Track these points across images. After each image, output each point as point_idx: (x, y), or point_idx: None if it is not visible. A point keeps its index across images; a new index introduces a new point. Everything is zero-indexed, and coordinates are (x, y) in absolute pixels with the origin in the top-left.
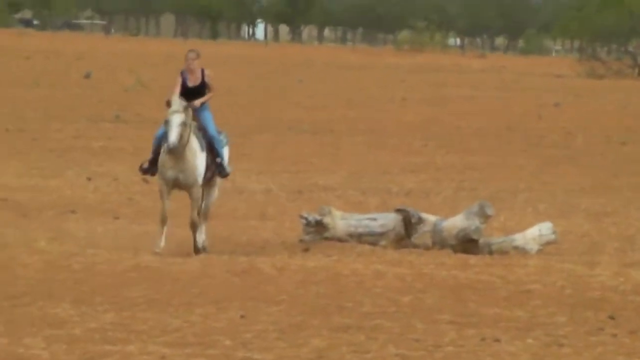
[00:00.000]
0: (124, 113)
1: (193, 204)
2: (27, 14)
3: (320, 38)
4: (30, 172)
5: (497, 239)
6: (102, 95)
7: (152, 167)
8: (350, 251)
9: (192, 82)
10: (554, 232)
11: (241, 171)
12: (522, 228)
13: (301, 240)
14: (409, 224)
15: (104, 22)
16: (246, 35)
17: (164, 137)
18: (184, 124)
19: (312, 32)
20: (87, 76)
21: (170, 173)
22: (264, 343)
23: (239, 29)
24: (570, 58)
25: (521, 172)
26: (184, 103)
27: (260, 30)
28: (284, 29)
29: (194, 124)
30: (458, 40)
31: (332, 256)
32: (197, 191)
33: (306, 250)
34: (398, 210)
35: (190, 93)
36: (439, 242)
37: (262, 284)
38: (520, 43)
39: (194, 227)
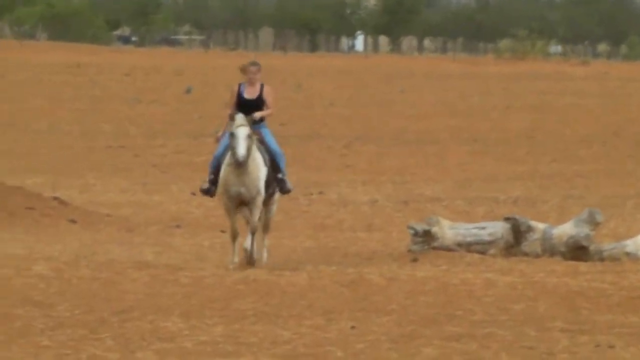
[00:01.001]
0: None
1: (254, 211)
2: (125, 30)
3: (420, 48)
4: (134, 187)
5: (608, 246)
6: (203, 111)
7: (212, 187)
8: (459, 260)
9: (249, 95)
10: None
11: (346, 182)
12: (633, 234)
13: (409, 251)
14: (518, 232)
15: (202, 37)
16: (345, 47)
17: (223, 154)
18: (250, 137)
19: (412, 42)
20: (188, 91)
21: (234, 189)
22: (376, 353)
23: (338, 41)
24: None
25: (629, 178)
26: (248, 117)
27: (359, 41)
28: (383, 40)
29: (255, 137)
30: (560, 48)
31: (441, 266)
32: (260, 200)
33: (415, 260)
34: (507, 219)
35: (246, 105)
36: (549, 249)
37: (371, 294)
38: (623, 49)
39: (253, 231)
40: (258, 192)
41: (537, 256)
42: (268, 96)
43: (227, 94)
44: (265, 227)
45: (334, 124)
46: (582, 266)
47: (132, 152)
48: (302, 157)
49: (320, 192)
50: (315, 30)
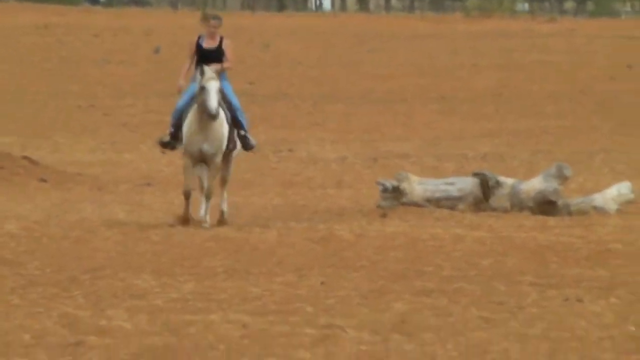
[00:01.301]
0: None
1: (212, 173)
2: None
3: (388, 7)
4: (103, 147)
5: (575, 200)
6: (172, 70)
7: (172, 141)
8: (428, 216)
9: (209, 45)
10: (632, 192)
11: (315, 140)
12: (600, 189)
13: (379, 207)
14: (487, 187)
15: None
16: (313, 7)
17: (186, 107)
18: (220, 91)
19: (380, 1)
20: (156, 51)
21: (197, 145)
22: (346, 309)
23: (306, 0)
24: None
25: (596, 133)
26: (217, 70)
27: (327, 0)
28: None
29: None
30: (527, 5)
31: (410, 221)
32: (219, 162)
33: (384, 216)
34: (475, 174)
35: (205, 56)
36: (517, 204)
37: (341, 250)
38: (589, 6)
39: (208, 196)
40: (219, 151)
41: (506, 211)
42: (227, 49)
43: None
44: (223, 181)
45: (301, 84)
46: (551, 221)
47: (101, 111)
48: (271, 116)
49: (290, 150)
50: None
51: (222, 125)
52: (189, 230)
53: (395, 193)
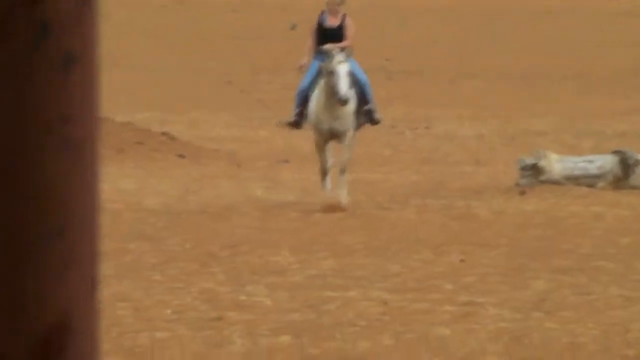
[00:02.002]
0: None
1: (347, 149)
2: None
3: None
4: (240, 123)
5: None
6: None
7: (299, 119)
8: (568, 194)
9: (331, 23)
10: None
11: (452, 117)
12: None
13: (517, 184)
14: (627, 165)
15: None
16: None
17: (311, 87)
18: (350, 73)
19: None
20: (293, 28)
21: (326, 124)
22: (486, 286)
23: None
24: None
25: None
26: (345, 52)
27: None
28: None
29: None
30: None
31: (549, 199)
32: (351, 135)
33: (523, 193)
34: (615, 152)
35: (326, 34)
36: None
37: (480, 228)
38: None
39: (343, 171)
40: (350, 127)
41: None
42: (348, 28)
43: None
44: (346, 165)
45: (438, 60)
46: None
47: (238, 87)
48: (407, 93)
49: (427, 127)
50: None
51: (351, 103)
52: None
53: (534, 171)
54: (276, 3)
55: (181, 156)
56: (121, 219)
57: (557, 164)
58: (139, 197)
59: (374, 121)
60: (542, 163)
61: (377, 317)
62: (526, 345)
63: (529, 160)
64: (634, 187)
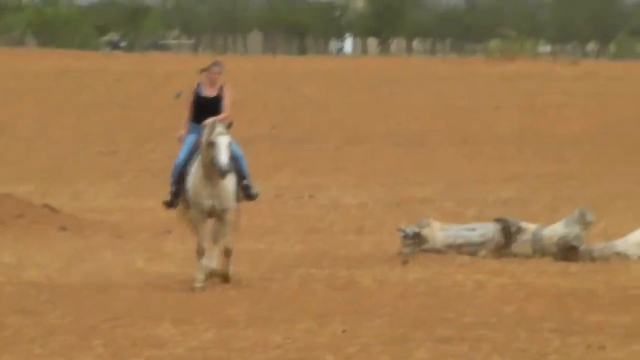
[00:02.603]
0: None
1: (228, 229)
2: (114, 36)
3: (410, 50)
4: (125, 193)
5: (598, 246)
6: None
7: (175, 200)
8: (451, 262)
9: (208, 93)
10: None
11: (337, 185)
12: (623, 234)
13: (400, 253)
14: (509, 233)
15: (191, 42)
16: (334, 50)
17: (187, 163)
18: (230, 145)
19: (401, 44)
20: (178, 96)
21: (207, 202)
22: (368, 357)
23: (327, 44)
24: None
25: (620, 178)
26: (225, 124)
27: (348, 44)
28: (372, 42)
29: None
30: (549, 48)
31: (432, 268)
32: (232, 213)
33: (406, 263)
34: (497, 220)
35: (204, 104)
36: (540, 250)
37: (363, 298)
38: (612, 48)
39: (229, 254)
40: (231, 205)
41: (528, 257)
42: (226, 97)
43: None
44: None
45: (324, 128)
46: (573, 267)
47: (123, 157)
48: (293, 160)
49: (311, 196)
50: (304, 33)
51: (231, 179)
52: (210, 279)
53: (417, 240)
54: (161, 72)
55: (63, 229)
56: (1, 292)
57: (439, 232)
58: (19, 270)
59: (250, 197)
60: (425, 232)
61: None
62: None
63: (412, 229)
64: (516, 255)
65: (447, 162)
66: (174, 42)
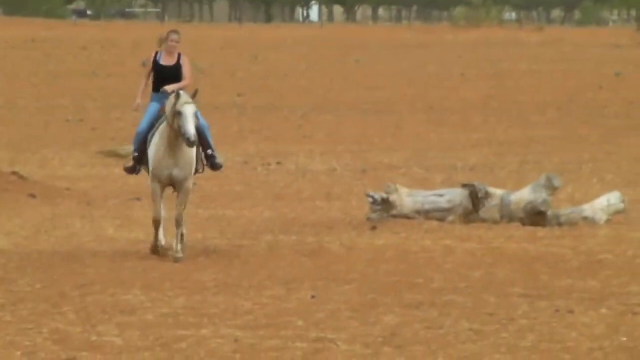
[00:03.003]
0: None
1: (182, 199)
2: (80, 4)
3: (375, 18)
4: (92, 161)
5: (565, 211)
6: None
7: (137, 165)
8: (419, 228)
9: (167, 62)
10: (622, 202)
11: (304, 152)
12: (590, 199)
13: (369, 219)
14: (476, 198)
15: (157, 10)
16: (301, 18)
17: (148, 130)
18: (196, 115)
19: (367, 12)
20: (144, 64)
21: (167, 171)
22: (337, 323)
23: (293, 11)
24: (628, 28)
25: (585, 143)
26: (194, 91)
27: (314, 12)
28: (338, 9)
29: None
30: (514, 15)
31: (400, 234)
32: (189, 186)
33: (374, 228)
34: (465, 186)
35: (164, 73)
36: (507, 215)
37: (331, 263)
38: (577, 15)
39: (179, 223)
40: (190, 175)
41: (496, 222)
42: (185, 66)
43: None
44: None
45: (290, 95)
46: (541, 232)
47: (90, 125)
48: (260, 128)
49: (279, 163)
50: (271, 1)
51: (192, 149)
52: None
53: (385, 205)
54: (127, 40)
55: (32, 196)
56: None
57: (407, 198)
58: None
59: (215, 166)
60: (393, 197)
61: (229, 355)
62: None
63: (380, 195)
64: (484, 221)
65: (414, 129)
66: (140, 10)
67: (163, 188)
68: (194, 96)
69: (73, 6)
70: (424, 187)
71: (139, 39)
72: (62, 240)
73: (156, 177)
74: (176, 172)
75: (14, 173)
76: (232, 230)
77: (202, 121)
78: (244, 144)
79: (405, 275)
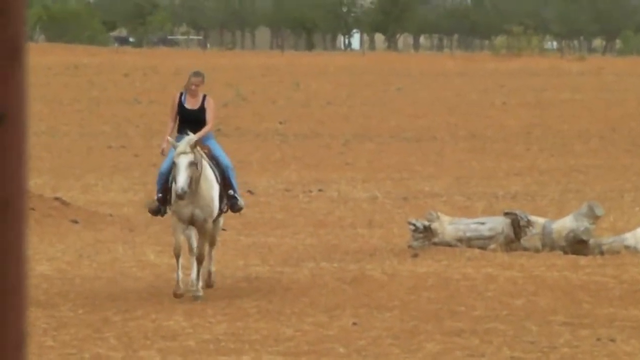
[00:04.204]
0: (224, 126)
1: (203, 238)
2: (122, 31)
3: (416, 46)
4: (134, 187)
5: (607, 239)
6: None
7: (162, 207)
8: (460, 256)
9: (191, 105)
10: None
11: (345, 180)
12: (632, 227)
13: (410, 247)
14: (518, 226)
15: (199, 37)
16: (342, 46)
17: (169, 171)
18: (192, 165)
19: (408, 40)
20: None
21: (187, 210)
22: (378, 349)
23: (334, 39)
24: None
25: (627, 172)
26: (191, 141)
27: (356, 40)
28: (379, 37)
29: (203, 153)
30: (555, 44)
31: (441, 261)
32: (210, 225)
33: (415, 256)
34: (507, 214)
35: (187, 116)
36: (549, 244)
37: (373, 291)
38: (618, 44)
39: (201, 260)
40: (211, 215)
41: (537, 251)
42: (208, 108)
43: (229, 93)
44: (211, 241)
45: (332, 123)
46: (582, 260)
47: (132, 152)
48: (301, 155)
49: (320, 190)
50: (312, 29)
51: (212, 188)
52: (221, 271)
53: (427, 233)
54: (169, 67)
55: (74, 221)
56: None
57: (449, 225)
58: (32, 263)
59: (235, 207)
60: (435, 225)
61: None
62: None
63: (421, 223)
64: (525, 249)
65: (455, 156)
66: (182, 37)
67: (183, 225)
68: (193, 146)
69: (115, 33)
70: (465, 214)
71: (181, 67)
72: (104, 265)
73: (177, 216)
74: (197, 213)
75: (57, 199)
76: (273, 257)
77: (225, 160)
78: (286, 171)
79: (447, 303)
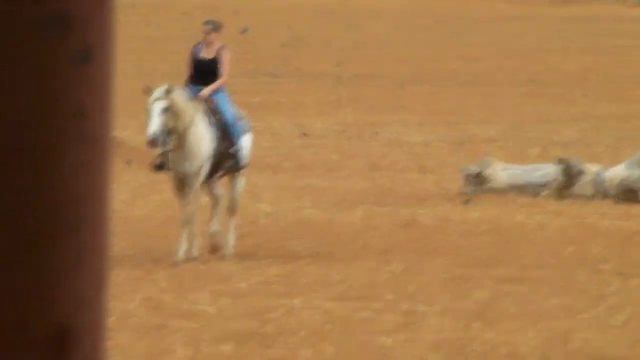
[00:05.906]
0: (282, 68)
1: (188, 197)
2: None
3: None
4: None
5: None
6: (260, 51)
7: (165, 161)
8: (512, 203)
9: (204, 55)
10: None
11: (400, 123)
12: None
13: (462, 192)
14: (571, 174)
15: None
16: None
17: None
18: (167, 111)
19: None
20: (244, 32)
21: (179, 165)
22: (428, 295)
23: None
24: None
25: None
26: (169, 89)
27: None
28: None
29: (203, 107)
30: None
31: (493, 208)
32: (197, 185)
33: (467, 202)
34: (560, 161)
35: (199, 66)
36: (601, 192)
37: (424, 236)
38: None
39: (188, 223)
40: (197, 170)
41: (589, 199)
42: (224, 62)
43: (287, 34)
44: (230, 208)
45: (388, 65)
46: (634, 209)
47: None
48: (357, 97)
49: (375, 132)
50: None
51: (200, 142)
52: (273, 214)
53: (479, 179)
54: (228, 6)
55: (128, 162)
56: None
57: (501, 172)
58: None
59: (236, 165)
60: (487, 171)
61: (319, 326)
62: (467, 355)
63: (474, 169)
64: (577, 197)
65: (511, 101)
66: None
67: (180, 186)
68: (168, 91)
69: None
70: (520, 160)
71: (240, 5)
72: (157, 206)
73: (172, 173)
74: (186, 166)
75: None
76: (326, 199)
77: (229, 115)
78: (341, 113)
79: (497, 250)
